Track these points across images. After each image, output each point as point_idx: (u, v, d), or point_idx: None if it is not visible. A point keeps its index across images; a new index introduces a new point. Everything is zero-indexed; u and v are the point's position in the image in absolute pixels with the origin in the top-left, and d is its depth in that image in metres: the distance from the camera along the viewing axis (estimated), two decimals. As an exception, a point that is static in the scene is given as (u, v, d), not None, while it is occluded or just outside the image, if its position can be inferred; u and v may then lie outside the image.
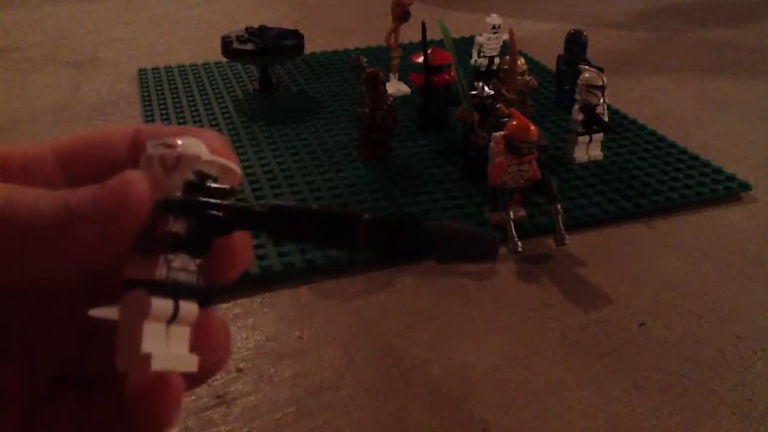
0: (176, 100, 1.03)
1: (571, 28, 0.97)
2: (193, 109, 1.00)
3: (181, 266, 0.19)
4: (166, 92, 1.05)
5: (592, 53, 0.96)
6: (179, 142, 0.19)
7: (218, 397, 0.52)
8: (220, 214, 0.19)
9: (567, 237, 0.67)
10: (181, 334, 0.19)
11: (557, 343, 0.57)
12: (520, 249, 0.66)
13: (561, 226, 0.67)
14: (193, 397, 0.52)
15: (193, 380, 0.20)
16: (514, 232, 0.66)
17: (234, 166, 0.20)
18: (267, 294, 0.63)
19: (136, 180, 0.18)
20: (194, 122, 0.96)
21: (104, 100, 1.05)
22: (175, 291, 0.19)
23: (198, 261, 0.20)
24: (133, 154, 0.21)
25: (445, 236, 0.18)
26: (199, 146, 0.19)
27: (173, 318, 0.19)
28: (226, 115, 0.98)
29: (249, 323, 0.60)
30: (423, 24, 0.89)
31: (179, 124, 0.95)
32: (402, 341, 0.58)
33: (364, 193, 0.78)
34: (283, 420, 0.50)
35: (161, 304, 0.18)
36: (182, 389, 0.19)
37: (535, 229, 0.71)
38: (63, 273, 0.19)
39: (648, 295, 0.63)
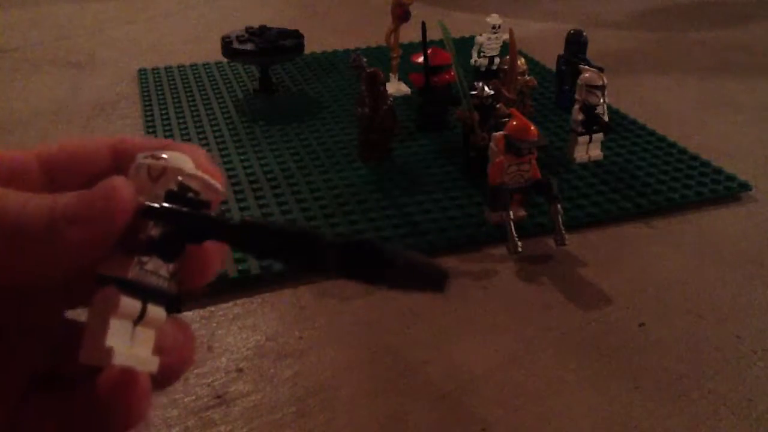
0: (176, 100, 1.03)
1: (571, 28, 0.97)
2: (193, 109, 1.00)
3: (154, 270, 0.20)
4: (166, 92, 1.05)
5: (592, 53, 0.96)
6: (166, 155, 0.21)
7: (218, 397, 0.52)
8: (193, 222, 0.20)
9: (567, 237, 0.67)
10: (146, 336, 0.20)
11: (557, 343, 0.58)
12: (520, 249, 0.66)
13: (561, 226, 0.67)
14: (193, 397, 0.52)
15: (155, 383, 0.21)
16: (514, 232, 0.66)
17: (215, 182, 0.21)
18: (267, 294, 0.63)
19: (121, 185, 0.19)
20: (194, 122, 0.96)
21: (104, 100, 1.05)
22: (145, 292, 0.20)
23: (171, 268, 0.21)
24: (116, 164, 0.22)
25: (401, 265, 0.19)
26: (185, 161, 0.21)
27: (140, 318, 0.20)
28: (226, 115, 0.98)
29: (249, 323, 0.60)
30: (423, 24, 0.89)
31: (179, 124, 0.95)
32: (402, 341, 0.58)
33: (364, 193, 0.78)
34: (283, 420, 0.50)
35: (130, 303, 0.19)
36: (150, 389, 0.20)
37: (535, 229, 0.71)
38: (48, 273, 0.19)
39: (648, 295, 0.63)
